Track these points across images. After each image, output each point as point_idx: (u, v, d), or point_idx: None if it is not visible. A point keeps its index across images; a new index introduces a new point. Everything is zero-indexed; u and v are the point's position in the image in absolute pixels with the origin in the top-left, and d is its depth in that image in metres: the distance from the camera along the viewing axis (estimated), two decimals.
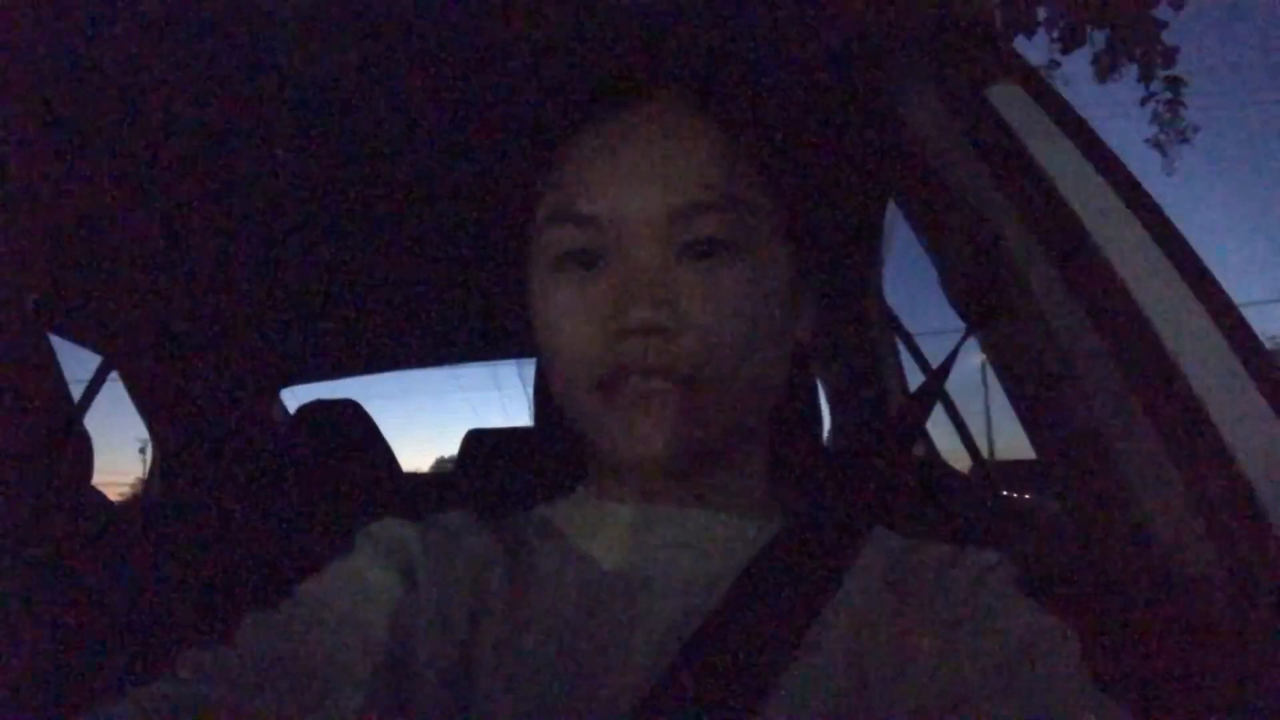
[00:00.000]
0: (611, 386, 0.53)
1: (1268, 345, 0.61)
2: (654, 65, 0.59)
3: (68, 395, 0.93)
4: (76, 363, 1.69)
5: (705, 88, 0.59)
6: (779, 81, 0.98)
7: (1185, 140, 4.53)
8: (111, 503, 1.49)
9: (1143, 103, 4.33)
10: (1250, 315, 0.62)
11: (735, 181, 0.56)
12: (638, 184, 0.54)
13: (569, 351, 0.55)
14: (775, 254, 0.58)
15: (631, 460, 0.54)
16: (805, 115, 1.05)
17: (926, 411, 0.81)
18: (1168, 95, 4.30)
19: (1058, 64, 4.26)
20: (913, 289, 1.64)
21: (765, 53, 0.93)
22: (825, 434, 1.51)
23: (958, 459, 1.71)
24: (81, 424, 0.93)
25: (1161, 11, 3.93)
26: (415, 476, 2.23)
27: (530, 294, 0.59)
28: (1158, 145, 4.58)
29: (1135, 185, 0.68)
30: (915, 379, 1.72)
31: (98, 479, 1.00)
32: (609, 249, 0.55)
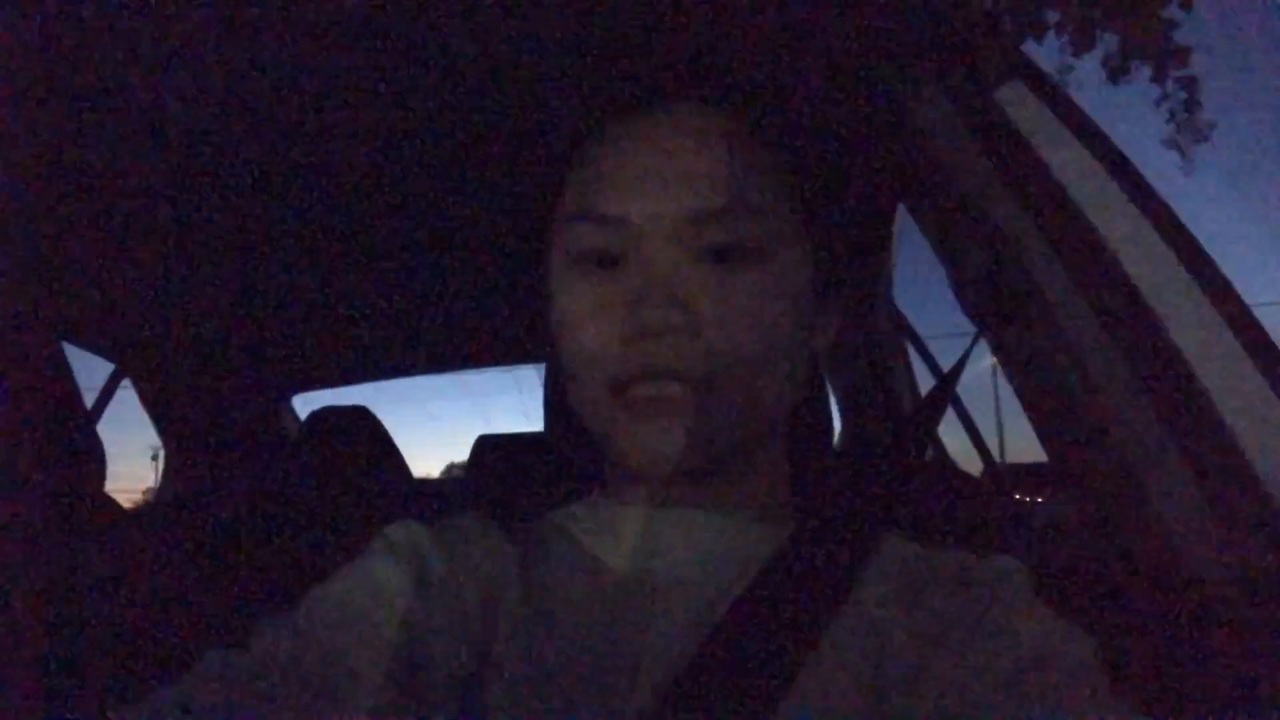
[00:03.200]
0: (626, 389, 0.53)
1: None
2: (679, 69, 0.59)
3: (81, 402, 0.93)
4: (90, 370, 1.71)
5: (728, 92, 0.59)
6: (799, 86, 0.98)
7: (1204, 140, 4.50)
8: (124, 509, 1.50)
9: (1158, 103, 4.31)
10: (1264, 315, 0.62)
11: (756, 187, 0.55)
12: (658, 186, 0.54)
13: (585, 351, 0.55)
14: (795, 261, 0.57)
15: (645, 465, 0.54)
16: (821, 120, 1.05)
17: (938, 416, 0.80)
18: (1182, 95, 4.28)
19: (1071, 68, 4.25)
20: (923, 292, 1.64)
21: (786, 58, 0.93)
22: (836, 438, 1.51)
23: (968, 462, 1.71)
24: (94, 431, 0.94)
25: (1171, 12, 3.92)
26: (426, 482, 2.24)
27: (548, 291, 0.59)
28: (1175, 145, 4.56)
29: (1145, 186, 0.68)
30: (925, 382, 1.71)
31: (110, 486, 1.01)
32: (628, 250, 0.55)
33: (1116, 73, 4.15)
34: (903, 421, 1.62)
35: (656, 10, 0.84)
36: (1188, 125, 4.40)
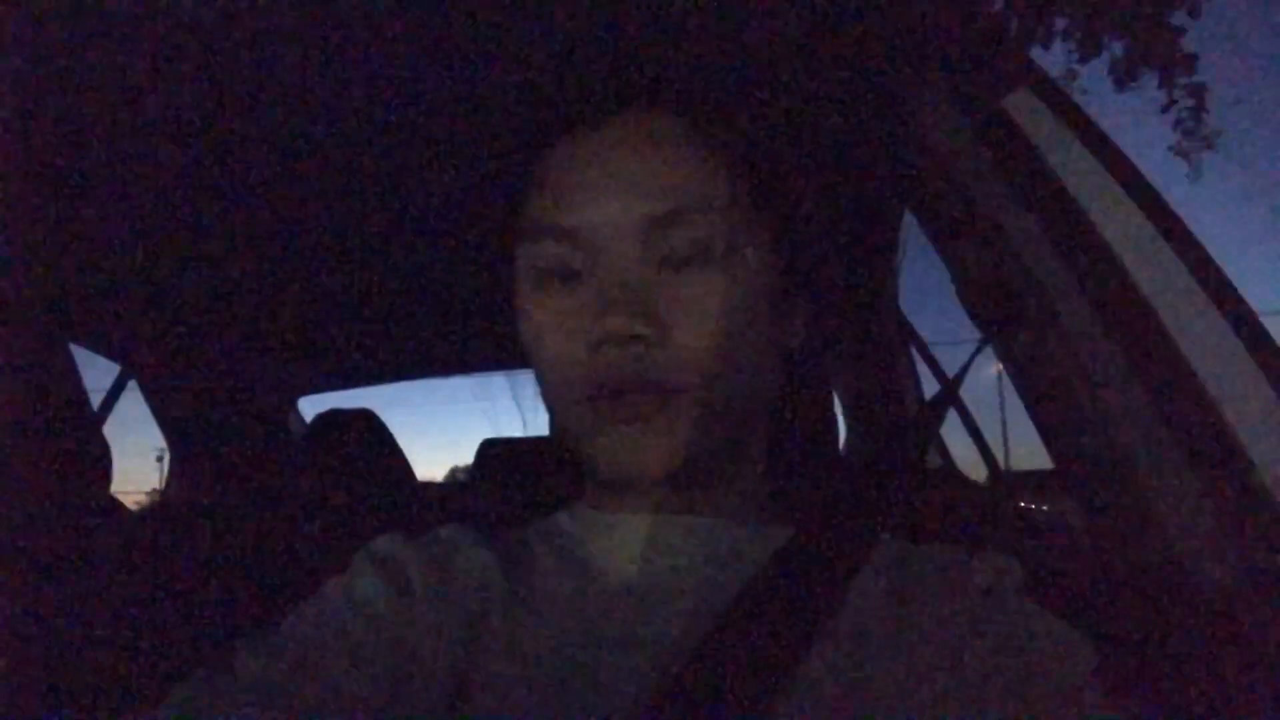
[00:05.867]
0: (599, 400, 0.53)
1: None
2: (631, 75, 0.59)
3: (88, 404, 0.93)
4: (96, 372, 1.71)
5: (675, 96, 0.59)
6: (768, 87, 0.98)
7: (1211, 148, 4.49)
8: (129, 511, 1.50)
9: (1164, 110, 4.30)
10: (1271, 323, 0.62)
11: (714, 188, 0.55)
12: (612, 195, 0.54)
13: (553, 366, 0.55)
14: (760, 260, 0.57)
15: (621, 476, 0.54)
16: (815, 124, 1.05)
17: (939, 420, 0.80)
18: (1190, 102, 4.27)
19: (1076, 74, 4.25)
20: (928, 298, 1.63)
21: (754, 60, 0.93)
22: (841, 443, 1.51)
23: (974, 468, 1.70)
24: (101, 432, 0.94)
25: (1178, 18, 3.91)
26: (430, 485, 2.24)
27: (516, 309, 0.59)
28: (1182, 153, 4.54)
29: (1152, 193, 0.68)
30: (930, 389, 1.71)
31: (115, 487, 1.01)
32: (588, 262, 0.55)
33: (1123, 80, 4.15)
34: (907, 428, 1.62)
35: (603, 19, 0.84)
36: (1195, 132, 4.40)
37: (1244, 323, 0.61)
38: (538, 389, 0.70)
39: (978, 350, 0.79)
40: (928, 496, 1.16)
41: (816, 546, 0.56)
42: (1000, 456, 1.77)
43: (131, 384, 1.85)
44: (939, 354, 1.69)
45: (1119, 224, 0.67)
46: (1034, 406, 0.79)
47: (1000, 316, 0.77)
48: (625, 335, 0.51)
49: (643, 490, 0.57)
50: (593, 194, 0.55)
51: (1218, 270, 0.63)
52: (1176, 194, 0.68)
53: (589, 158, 0.56)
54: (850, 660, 0.51)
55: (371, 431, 1.76)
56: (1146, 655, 0.60)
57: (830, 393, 1.13)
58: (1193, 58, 4.04)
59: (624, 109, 0.58)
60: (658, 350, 0.52)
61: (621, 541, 0.58)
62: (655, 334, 0.52)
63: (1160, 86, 4.15)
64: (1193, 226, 0.66)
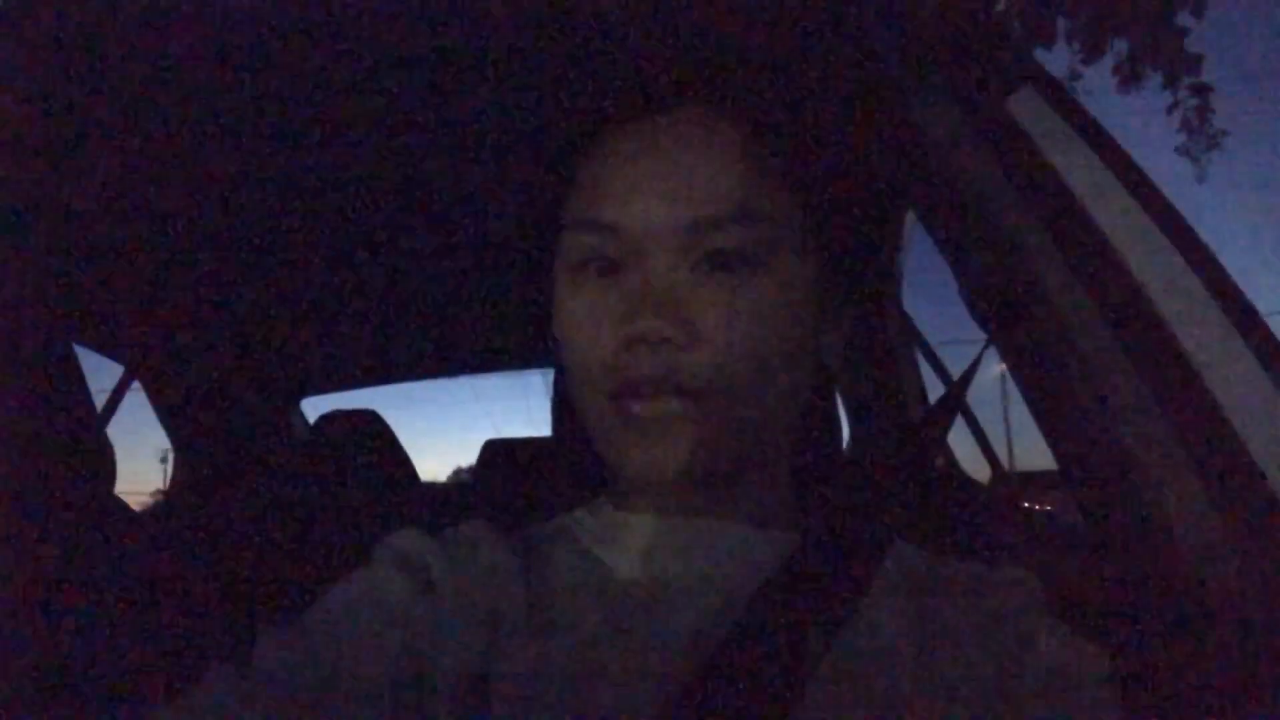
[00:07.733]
0: (624, 399, 0.53)
1: None
2: (680, 73, 0.59)
3: (92, 404, 0.93)
4: (101, 372, 1.72)
5: (731, 96, 0.59)
6: (803, 91, 0.98)
7: (1216, 147, 4.48)
8: (133, 511, 1.50)
9: (1169, 111, 4.30)
10: (1276, 324, 0.62)
11: (758, 193, 0.55)
12: (658, 194, 0.54)
13: (582, 358, 0.55)
14: (798, 268, 0.57)
15: (642, 478, 0.54)
16: (826, 124, 1.05)
17: (948, 423, 0.80)
18: (1194, 102, 4.26)
19: (1079, 75, 4.24)
20: (932, 298, 1.63)
21: (790, 62, 0.93)
22: (844, 444, 1.51)
23: (978, 469, 1.70)
24: (105, 433, 0.94)
25: (1183, 19, 3.90)
26: (433, 486, 2.24)
27: (552, 299, 0.59)
28: (1187, 153, 4.54)
29: (1156, 193, 0.68)
30: (934, 389, 1.71)
31: (119, 488, 1.01)
32: (627, 258, 0.54)
33: (1127, 80, 4.14)
34: (912, 429, 1.62)
35: (661, 14, 0.85)
36: (1200, 133, 4.39)
37: (1249, 323, 0.60)
38: (549, 384, 0.70)
39: (982, 351, 0.79)
40: (933, 498, 1.16)
41: (829, 552, 0.56)
42: (1004, 457, 1.77)
43: (135, 384, 1.85)
44: (942, 354, 1.69)
45: (1123, 224, 0.66)
46: (1037, 407, 0.79)
47: (1004, 316, 0.77)
48: (655, 337, 0.51)
49: (662, 491, 0.57)
50: (638, 191, 0.54)
51: (1222, 271, 0.63)
52: (1182, 194, 0.68)
53: (638, 153, 0.56)
54: (867, 677, 0.50)
55: (374, 432, 1.76)
56: (1156, 660, 0.59)
57: (834, 393, 1.13)
58: (1198, 58, 4.03)
59: (672, 107, 0.58)
60: (686, 353, 0.52)
61: (640, 542, 0.58)
62: (685, 337, 0.51)
63: (1165, 87, 4.14)
64: (1198, 227, 0.66)
